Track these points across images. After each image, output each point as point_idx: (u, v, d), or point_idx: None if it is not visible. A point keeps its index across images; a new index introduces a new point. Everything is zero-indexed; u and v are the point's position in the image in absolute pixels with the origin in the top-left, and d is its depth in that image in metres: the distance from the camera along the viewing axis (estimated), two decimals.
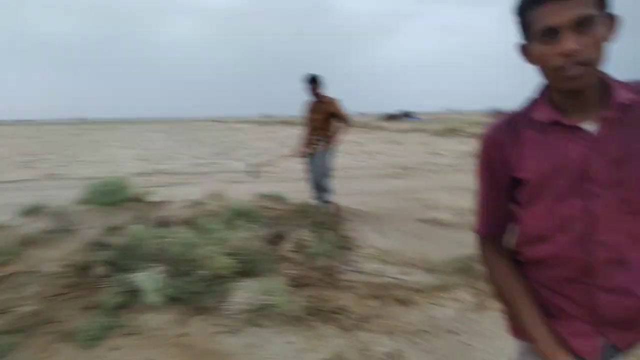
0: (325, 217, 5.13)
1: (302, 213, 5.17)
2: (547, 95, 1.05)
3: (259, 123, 54.74)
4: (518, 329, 1.18)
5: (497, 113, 60.31)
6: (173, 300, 3.26)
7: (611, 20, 0.97)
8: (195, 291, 3.35)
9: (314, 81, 5.51)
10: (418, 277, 3.75)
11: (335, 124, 5.60)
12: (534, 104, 1.08)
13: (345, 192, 7.45)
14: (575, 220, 1.01)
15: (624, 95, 0.98)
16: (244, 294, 3.29)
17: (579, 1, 0.91)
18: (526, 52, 1.04)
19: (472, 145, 15.86)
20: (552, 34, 0.94)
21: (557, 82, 0.98)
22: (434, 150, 14.87)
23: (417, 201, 6.58)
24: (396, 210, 6.08)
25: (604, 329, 1.04)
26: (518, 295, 1.13)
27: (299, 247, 4.30)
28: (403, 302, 3.30)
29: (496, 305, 3.18)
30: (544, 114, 1.03)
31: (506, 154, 1.09)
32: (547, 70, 0.98)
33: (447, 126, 25.28)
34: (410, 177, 9.18)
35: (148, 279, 3.37)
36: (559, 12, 0.92)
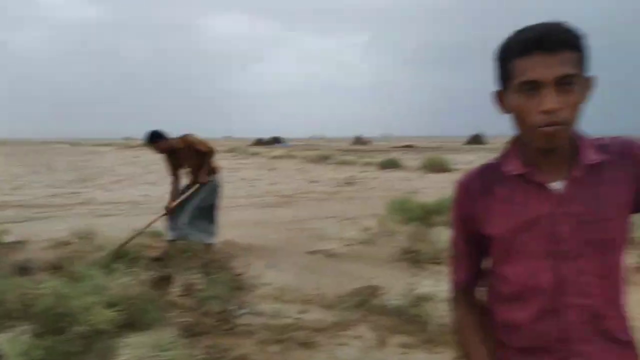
0: (213, 255, 4.86)
1: (187, 251, 4.84)
2: (518, 148, 1.04)
3: (123, 146, 51.20)
4: None
5: (361, 140, 63.11)
6: None
7: (587, 82, 0.97)
8: (72, 351, 2.90)
9: (159, 138, 4.93)
10: (317, 315, 3.70)
11: (201, 159, 5.14)
12: (505, 155, 1.06)
13: (229, 223, 7.21)
14: (545, 282, 0.99)
15: (591, 156, 0.99)
16: (133, 350, 2.92)
17: (566, 59, 0.90)
18: (501, 100, 1.02)
19: (345, 173, 16.56)
20: (533, 87, 0.92)
21: (531, 137, 0.96)
22: (311, 178, 15.19)
23: (305, 231, 6.60)
24: (285, 242, 6.02)
25: None
26: (478, 354, 1.11)
27: (189, 291, 4.00)
28: (305, 345, 3.20)
29: (396, 340, 3.26)
30: (513, 168, 1.02)
31: (476, 207, 1.08)
32: (522, 123, 0.96)
33: (319, 153, 26.12)
34: (293, 206, 9.21)
35: (11, 342, 2.84)
36: (545, 67, 0.90)
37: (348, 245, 5.65)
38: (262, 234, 6.53)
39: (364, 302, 3.85)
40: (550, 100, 0.90)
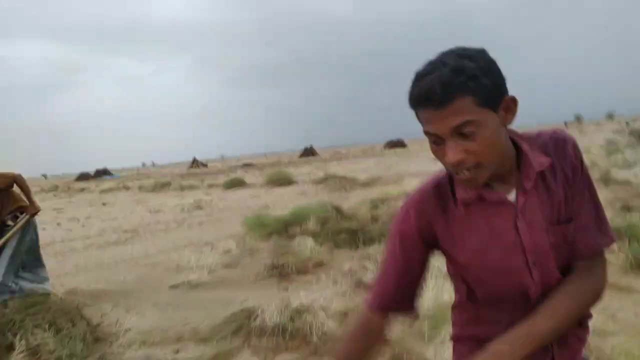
0: (59, 306, 4.22)
1: (27, 308, 4.12)
2: None
3: None
4: None
5: (197, 162, 61.06)
6: None
7: (506, 104, 0.91)
8: None
9: None
10: (193, 352, 3.44)
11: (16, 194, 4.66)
12: (454, 179, 1.01)
13: (67, 270, 6.37)
14: (513, 292, 1.01)
15: (538, 162, 0.97)
16: None
17: (457, 108, 0.85)
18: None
19: (190, 198, 15.94)
20: (436, 138, 0.90)
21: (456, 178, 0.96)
22: (152, 207, 14.25)
23: (159, 266, 6.13)
24: (140, 280, 5.51)
25: None
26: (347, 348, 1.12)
27: (37, 353, 3.40)
28: None
29: (282, 359, 3.20)
30: (467, 192, 0.99)
31: (437, 228, 1.03)
32: (444, 166, 0.95)
33: (156, 181, 24.76)
34: (139, 240, 8.50)
35: None
36: (437, 121, 0.87)
37: (211, 271, 5.40)
38: (110, 275, 5.89)
39: (242, 327, 3.70)
40: (451, 154, 0.89)
